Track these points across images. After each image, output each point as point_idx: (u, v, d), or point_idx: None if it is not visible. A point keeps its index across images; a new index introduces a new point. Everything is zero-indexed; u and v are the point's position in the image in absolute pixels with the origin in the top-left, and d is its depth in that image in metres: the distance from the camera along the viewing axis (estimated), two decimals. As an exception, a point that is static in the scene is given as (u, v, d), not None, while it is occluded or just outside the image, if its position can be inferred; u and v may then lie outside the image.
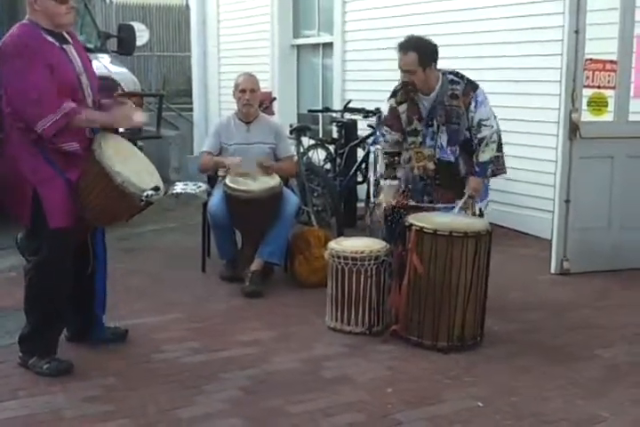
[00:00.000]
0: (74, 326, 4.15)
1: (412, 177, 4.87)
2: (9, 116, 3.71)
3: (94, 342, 4.13)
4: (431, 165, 4.79)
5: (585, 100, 5.52)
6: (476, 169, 4.72)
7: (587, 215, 5.58)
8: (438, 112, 4.71)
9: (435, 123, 4.74)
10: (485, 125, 4.69)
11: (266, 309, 4.89)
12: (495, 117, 4.78)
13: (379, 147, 5.07)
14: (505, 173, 5.03)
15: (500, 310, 4.70)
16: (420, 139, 4.78)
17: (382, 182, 4.96)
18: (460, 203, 4.67)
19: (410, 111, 4.79)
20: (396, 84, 4.86)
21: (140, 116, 3.96)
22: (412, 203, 4.80)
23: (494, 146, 4.75)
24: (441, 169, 4.79)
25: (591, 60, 5.43)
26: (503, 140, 4.89)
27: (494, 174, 4.94)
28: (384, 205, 4.86)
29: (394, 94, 4.85)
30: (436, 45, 4.67)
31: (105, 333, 4.19)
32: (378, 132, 5.02)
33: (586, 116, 5.53)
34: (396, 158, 4.91)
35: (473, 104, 4.68)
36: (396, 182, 4.89)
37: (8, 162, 3.77)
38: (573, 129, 5.43)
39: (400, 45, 4.65)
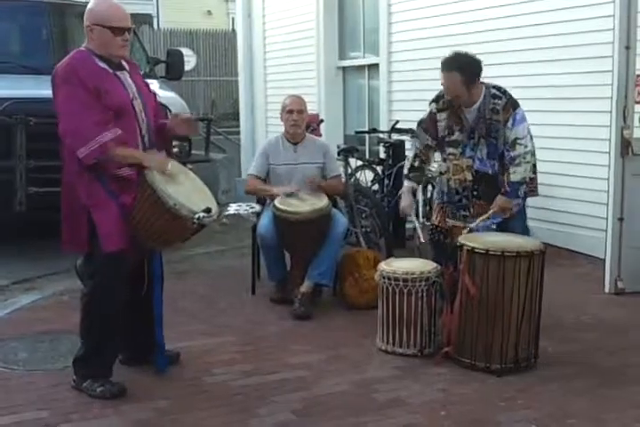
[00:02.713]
0: (128, 350, 4.18)
1: (448, 190, 4.85)
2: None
3: (157, 367, 4.13)
4: (469, 176, 4.76)
5: (637, 117, 5.44)
6: (507, 189, 4.66)
7: (641, 234, 5.48)
8: (479, 125, 4.69)
9: (476, 134, 4.71)
10: (520, 144, 4.64)
11: (316, 331, 4.87)
12: (531, 138, 4.75)
13: (411, 147, 5.08)
14: (536, 195, 4.96)
15: (555, 331, 4.62)
16: (459, 150, 4.76)
17: (405, 183, 5.03)
18: (479, 219, 4.67)
19: (451, 121, 4.77)
20: (440, 90, 4.83)
21: (169, 166, 3.95)
22: (449, 223, 4.77)
23: (527, 166, 4.70)
24: (479, 180, 4.76)
25: (643, 75, 5.37)
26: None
27: (525, 196, 4.90)
28: (406, 210, 4.98)
29: (436, 100, 4.84)
30: (479, 61, 4.66)
31: (164, 356, 4.17)
32: (417, 132, 5.00)
33: (638, 132, 5.45)
34: (424, 165, 4.99)
35: (511, 121, 4.64)
36: (417, 186, 5.07)
37: (66, 189, 3.84)
38: (625, 146, 5.35)
39: (443, 64, 4.65)
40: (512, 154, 4.65)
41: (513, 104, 4.68)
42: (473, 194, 4.78)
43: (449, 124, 4.77)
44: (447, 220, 4.85)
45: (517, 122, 4.65)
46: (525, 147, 4.65)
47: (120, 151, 3.72)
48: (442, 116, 4.79)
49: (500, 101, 4.66)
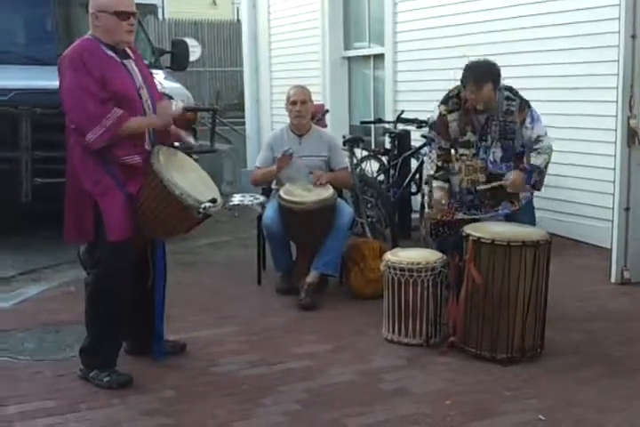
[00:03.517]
0: (134, 340, 4.19)
1: (459, 190, 4.83)
2: (72, 130, 3.78)
3: (154, 356, 4.16)
4: (482, 178, 4.74)
5: (643, 106, 5.43)
6: (526, 166, 4.68)
7: (647, 223, 5.46)
8: (492, 128, 4.68)
9: (488, 138, 4.70)
10: (542, 140, 4.69)
11: (321, 321, 4.87)
12: (547, 135, 4.75)
13: (431, 149, 4.98)
14: (539, 190, 4.94)
15: (561, 321, 4.62)
16: (472, 151, 4.74)
17: (434, 183, 4.85)
18: (489, 185, 4.69)
19: (463, 122, 4.74)
20: (451, 89, 4.80)
21: (177, 105, 3.95)
22: (458, 216, 4.75)
23: (548, 157, 4.73)
24: (492, 181, 4.74)
25: (649, 65, 5.34)
26: (559, 148, 4.82)
27: (532, 186, 4.89)
28: (435, 212, 4.80)
29: (446, 101, 4.79)
30: (497, 65, 4.66)
31: (164, 345, 4.20)
32: (428, 137, 4.94)
33: (644, 122, 5.43)
34: (448, 164, 4.85)
35: (529, 120, 4.67)
36: (446, 185, 4.82)
37: (71, 178, 3.84)
38: (631, 136, 5.32)
39: (471, 78, 4.56)
40: (536, 146, 4.68)
41: (527, 104, 4.70)
42: (486, 195, 4.77)
43: (461, 126, 4.73)
44: (456, 213, 4.79)
45: (535, 120, 4.69)
46: (546, 142, 4.70)
47: (127, 126, 3.71)
48: (452, 117, 4.74)
49: (514, 103, 4.67)
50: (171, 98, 6.57)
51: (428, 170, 4.93)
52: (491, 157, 4.72)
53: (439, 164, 4.85)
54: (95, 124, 3.64)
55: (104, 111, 3.66)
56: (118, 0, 3.78)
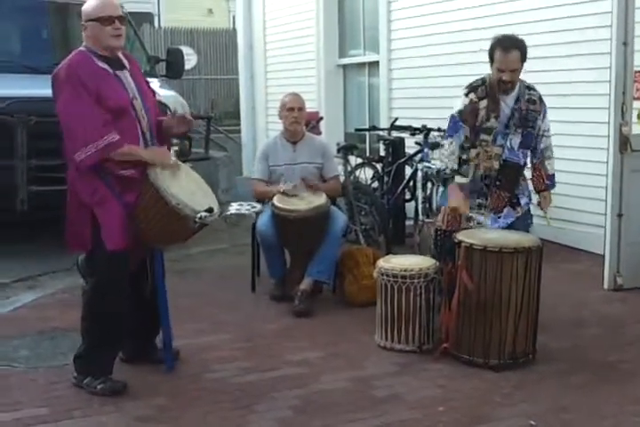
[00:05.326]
0: (129, 348, 4.19)
1: (473, 178, 4.79)
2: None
3: (146, 363, 4.17)
4: (496, 165, 4.74)
5: (635, 113, 5.46)
6: (548, 182, 4.85)
7: (640, 229, 5.49)
8: (515, 114, 4.70)
9: (511, 123, 4.71)
10: (547, 136, 4.80)
11: (315, 328, 4.89)
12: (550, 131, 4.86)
13: (452, 141, 4.86)
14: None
15: (553, 327, 4.64)
16: (492, 137, 4.72)
17: (457, 179, 4.75)
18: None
19: (490, 108, 4.70)
20: (475, 81, 4.77)
21: (172, 159, 3.97)
22: (463, 225, 4.72)
23: (554, 156, 4.88)
24: (505, 170, 4.75)
25: (640, 72, 5.39)
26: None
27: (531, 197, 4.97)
28: (457, 209, 4.69)
29: (474, 89, 4.72)
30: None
31: (160, 354, 4.21)
32: (453, 124, 4.78)
33: (636, 128, 5.46)
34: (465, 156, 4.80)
35: (543, 113, 4.76)
36: (465, 180, 4.75)
37: (71, 187, 3.86)
38: (624, 142, 5.36)
39: (500, 45, 4.57)
40: (542, 146, 4.79)
41: (542, 99, 4.77)
42: (495, 184, 4.78)
43: (488, 112, 4.71)
44: (462, 223, 4.70)
45: (546, 115, 4.78)
46: (549, 138, 4.82)
47: (120, 150, 3.73)
48: (482, 104, 4.71)
49: (535, 92, 4.75)
50: (167, 106, 6.65)
51: (450, 163, 4.76)
52: (508, 144, 4.72)
53: (463, 156, 4.77)
54: (87, 143, 3.65)
55: (102, 132, 3.67)
56: (99, 6, 3.80)
